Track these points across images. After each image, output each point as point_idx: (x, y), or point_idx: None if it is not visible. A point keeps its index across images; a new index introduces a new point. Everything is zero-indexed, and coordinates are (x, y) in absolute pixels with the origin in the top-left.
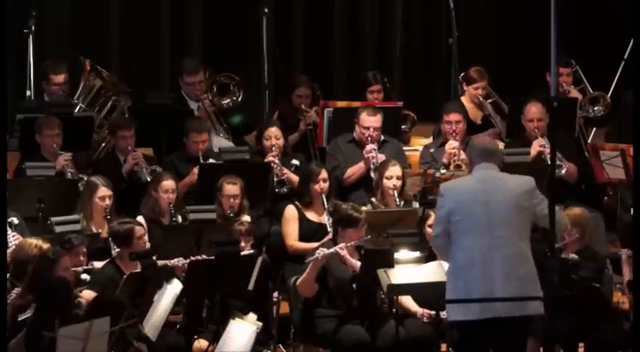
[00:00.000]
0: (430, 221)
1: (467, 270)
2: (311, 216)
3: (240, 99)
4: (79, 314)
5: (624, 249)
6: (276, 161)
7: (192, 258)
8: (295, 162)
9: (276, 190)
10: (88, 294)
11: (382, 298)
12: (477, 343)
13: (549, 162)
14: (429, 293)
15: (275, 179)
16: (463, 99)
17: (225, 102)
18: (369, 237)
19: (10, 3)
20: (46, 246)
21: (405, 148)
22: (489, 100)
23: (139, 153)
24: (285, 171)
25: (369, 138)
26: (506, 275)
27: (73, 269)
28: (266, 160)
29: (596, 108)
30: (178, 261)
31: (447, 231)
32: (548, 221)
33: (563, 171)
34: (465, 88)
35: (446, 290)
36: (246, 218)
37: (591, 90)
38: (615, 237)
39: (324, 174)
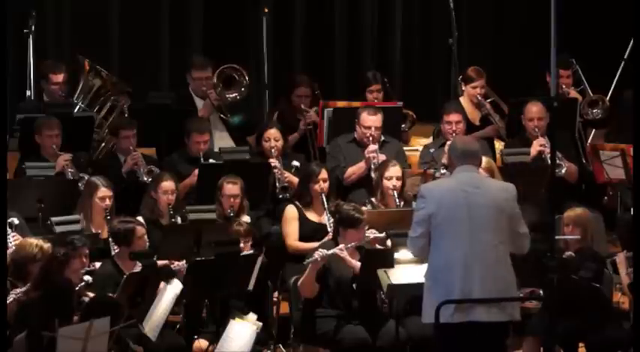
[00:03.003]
0: None
1: (446, 272)
2: (311, 216)
3: (247, 86)
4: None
5: (621, 253)
6: (278, 165)
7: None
8: (296, 163)
9: (280, 196)
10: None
11: (382, 298)
12: (453, 345)
13: (549, 162)
14: None
15: (277, 185)
16: (462, 100)
17: (232, 95)
18: (370, 238)
19: (10, 3)
20: (46, 245)
21: (404, 148)
22: (488, 100)
23: (139, 154)
24: (287, 174)
25: (370, 138)
26: (486, 278)
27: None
28: (267, 162)
29: (594, 111)
30: (178, 266)
31: (427, 232)
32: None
33: (564, 171)
34: (464, 87)
35: (424, 291)
36: (246, 218)
37: (591, 92)
38: (615, 237)
39: (324, 174)
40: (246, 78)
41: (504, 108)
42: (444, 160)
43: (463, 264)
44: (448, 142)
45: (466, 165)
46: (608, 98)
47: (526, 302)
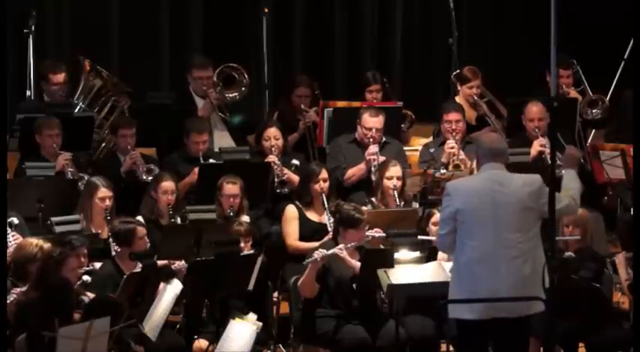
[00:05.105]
0: (434, 219)
1: (472, 270)
2: (311, 215)
3: (247, 85)
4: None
5: (620, 253)
6: (277, 161)
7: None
8: (295, 162)
9: (278, 191)
10: (92, 295)
11: (382, 298)
12: (477, 341)
13: (549, 162)
14: (429, 293)
15: (276, 179)
16: (457, 99)
17: (232, 95)
18: (370, 238)
19: (10, 3)
20: (46, 245)
21: (404, 148)
22: (484, 100)
23: (137, 153)
24: (286, 171)
25: (371, 139)
26: (512, 275)
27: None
28: (266, 161)
29: (594, 111)
30: (178, 266)
31: (454, 229)
32: (560, 213)
33: (564, 172)
34: (459, 87)
35: (450, 288)
36: (246, 218)
37: (591, 92)
38: (615, 237)
39: (324, 173)
40: (246, 77)
41: (500, 108)
42: (444, 159)
43: (489, 262)
44: (448, 141)
45: (493, 163)
46: (608, 98)
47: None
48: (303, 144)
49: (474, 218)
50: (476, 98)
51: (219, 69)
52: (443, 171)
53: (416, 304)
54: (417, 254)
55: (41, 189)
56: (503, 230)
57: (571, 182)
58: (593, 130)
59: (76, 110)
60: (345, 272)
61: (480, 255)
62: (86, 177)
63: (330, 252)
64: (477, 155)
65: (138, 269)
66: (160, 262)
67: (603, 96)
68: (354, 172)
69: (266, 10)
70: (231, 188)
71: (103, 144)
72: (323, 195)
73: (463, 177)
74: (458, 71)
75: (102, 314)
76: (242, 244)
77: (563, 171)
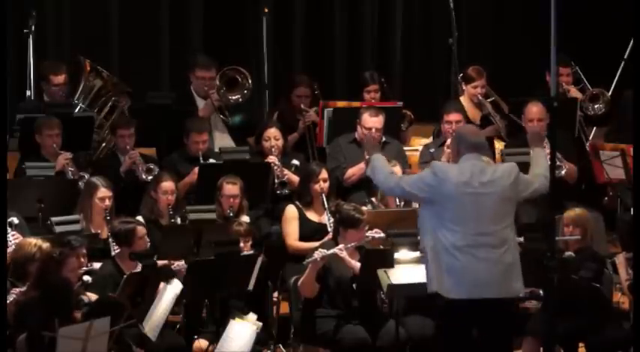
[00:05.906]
0: None
1: (452, 255)
2: (311, 215)
3: (249, 89)
4: (80, 314)
5: (620, 254)
6: (277, 162)
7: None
8: (295, 162)
9: (278, 192)
10: (92, 296)
11: (382, 298)
12: (461, 323)
13: (549, 163)
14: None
15: (276, 181)
16: (462, 99)
17: (234, 97)
18: (370, 238)
19: (10, 3)
20: (45, 245)
21: (404, 148)
22: (489, 99)
23: (137, 153)
24: (286, 172)
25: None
26: (493, 263)
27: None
28: (266, 161)
29: (596, 106)
30: (178, 266)
31: (415, 198)
32: (534, 195)
33: (563, 173)
34: (464, 87)
35: (428, 269)
36: (245, 218)
37: (591, 89)
38: (615, 237)
39: (324, 173)
40: (249, 81)
41: (504, 108)
42: (444, 159)
43: (470, 249)
44: (448, 142)
45: (475, 154)
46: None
47: (526, 302)
48: (303, 144)
49: (456, 206)
50: (480, 98)
51: (222, 71)
52: None
53: (416, 304)
54: (417, 254)
55: (41, 189)
56: (484, 218)
57: (540, 159)
58: (594, 128)
59: (76, 110)
60: (345, 272)
61: (461, 243)
62: (87, 176)
63: (330, 252)
64: (458, 146)
65: (138, 269)
66: (160, 262)
67: (604, 90)
68: (354, 172)
69: (266, 10)
70: (231, 188)
71: (103, 144)
72: (323, 195)
73: (447, 164)
74: (463, 72)
75: (102, 314)
76: (242, 244)
77: (531, 151)
